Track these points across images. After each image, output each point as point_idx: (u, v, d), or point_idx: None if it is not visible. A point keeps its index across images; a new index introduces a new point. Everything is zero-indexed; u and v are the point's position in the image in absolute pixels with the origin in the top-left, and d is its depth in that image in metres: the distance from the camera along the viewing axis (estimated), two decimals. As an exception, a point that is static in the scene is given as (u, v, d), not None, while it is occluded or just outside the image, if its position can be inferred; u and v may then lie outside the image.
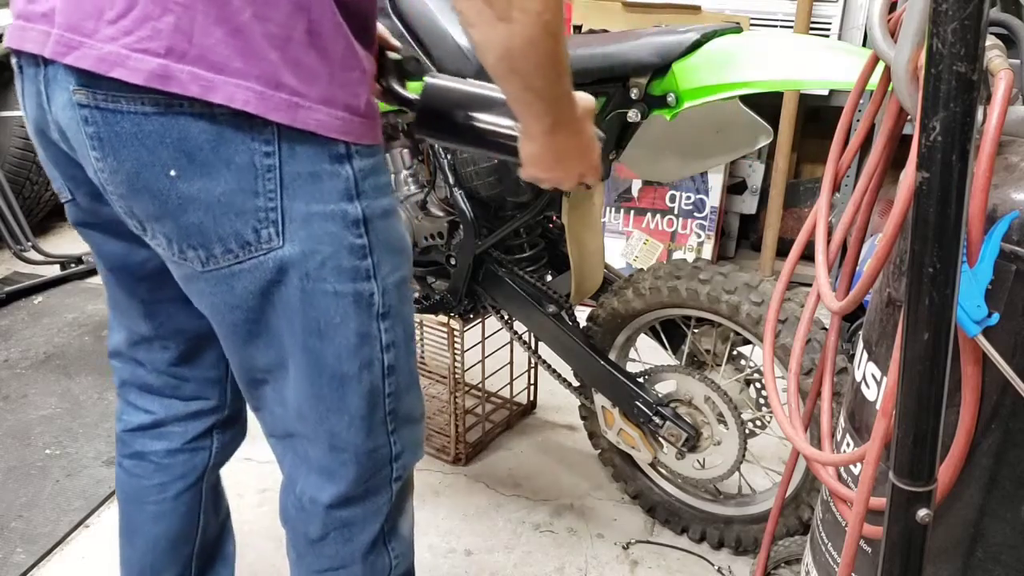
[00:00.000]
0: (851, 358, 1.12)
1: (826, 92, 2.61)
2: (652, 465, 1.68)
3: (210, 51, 0.70)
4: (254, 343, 0.86)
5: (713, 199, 2.76)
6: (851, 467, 0.94)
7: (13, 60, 0.82)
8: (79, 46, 0.70)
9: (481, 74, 1.57)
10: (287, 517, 1.01)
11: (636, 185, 2.80)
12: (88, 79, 0.72)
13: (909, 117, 0.82)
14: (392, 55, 1.03)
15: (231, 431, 1.16)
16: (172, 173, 0.74)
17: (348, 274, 0.82)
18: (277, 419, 0.94)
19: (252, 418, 1.05)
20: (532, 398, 2.10)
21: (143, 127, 0.72)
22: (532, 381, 2.07)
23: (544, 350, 1.66)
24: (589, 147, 0.93)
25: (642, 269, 1.55)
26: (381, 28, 0.97)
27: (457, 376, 1.78)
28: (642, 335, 1.63)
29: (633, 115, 1.33)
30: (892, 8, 0.88)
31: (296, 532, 1.00)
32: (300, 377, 0.87)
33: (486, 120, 0.93)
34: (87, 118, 0.74)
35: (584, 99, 0.88)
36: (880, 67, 0.95)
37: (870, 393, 0.91)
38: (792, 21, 2.60)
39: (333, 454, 0.92)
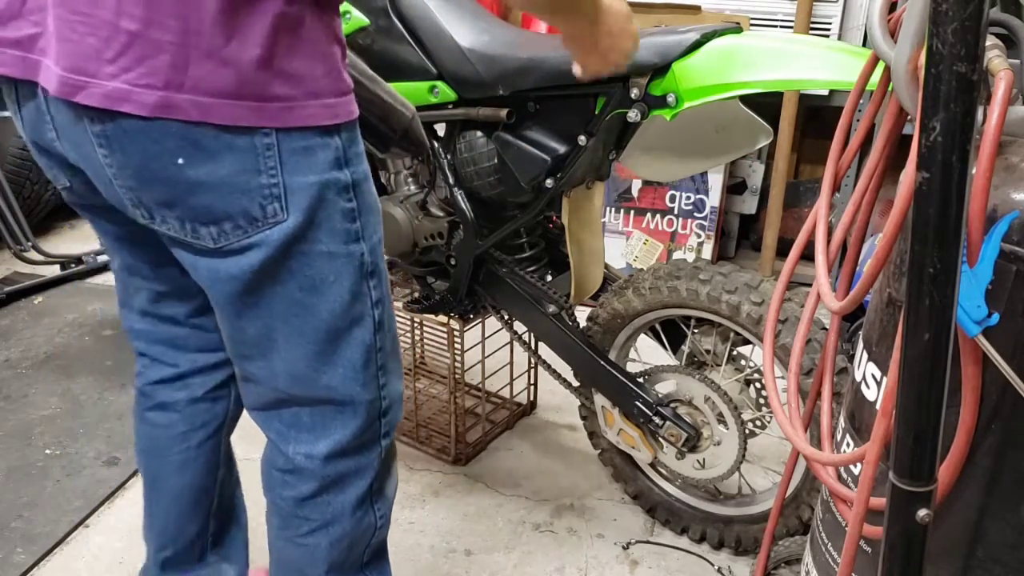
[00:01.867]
0: (851, 358, 1.12)
1: (826, 92, 2.61)
2: (652, 465, 1.68)
3: (203, 81, 0.75)
4: (246, 314, 0.90)
5: (713, 199, 2.76)
6: (851, 467, 0.94)
7: None
8: (85, 86, 0.74)
9: (483, 76, 1.56)
10: (272, 485, 1.04)
11: (636, 185, 2.81)
12: (96, 112, 0.76)
13: (909, 117, 0.82)
14: None
15: None
16: (180, 161, 0.78)
17: (341, 236, 0.88)
18: (266, 389, 0.98)
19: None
20: (532, 398, 2.10)
21: (149, 126, 0.76)
22: (532, 381, 2.07)
23: (544, 350, 1.66)
24: (625, 25, 1.05)
25: (642, 269, 1.55)
26: None
27: (457, 376, 1.77)
28: (642, 335, 1.63)
29: (633, 115, 1.33)
30: (892, 8, 0.88)
31: (284, 497, 1.03)
32: (294, 337, 0.91)
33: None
34: (94, 123, 0.78)
35: None
36: (880, 67, 0.95)
37: (870, 393, 0.91)
38: (792, 21, 2.60)
39: (330, 409, 0.97)
